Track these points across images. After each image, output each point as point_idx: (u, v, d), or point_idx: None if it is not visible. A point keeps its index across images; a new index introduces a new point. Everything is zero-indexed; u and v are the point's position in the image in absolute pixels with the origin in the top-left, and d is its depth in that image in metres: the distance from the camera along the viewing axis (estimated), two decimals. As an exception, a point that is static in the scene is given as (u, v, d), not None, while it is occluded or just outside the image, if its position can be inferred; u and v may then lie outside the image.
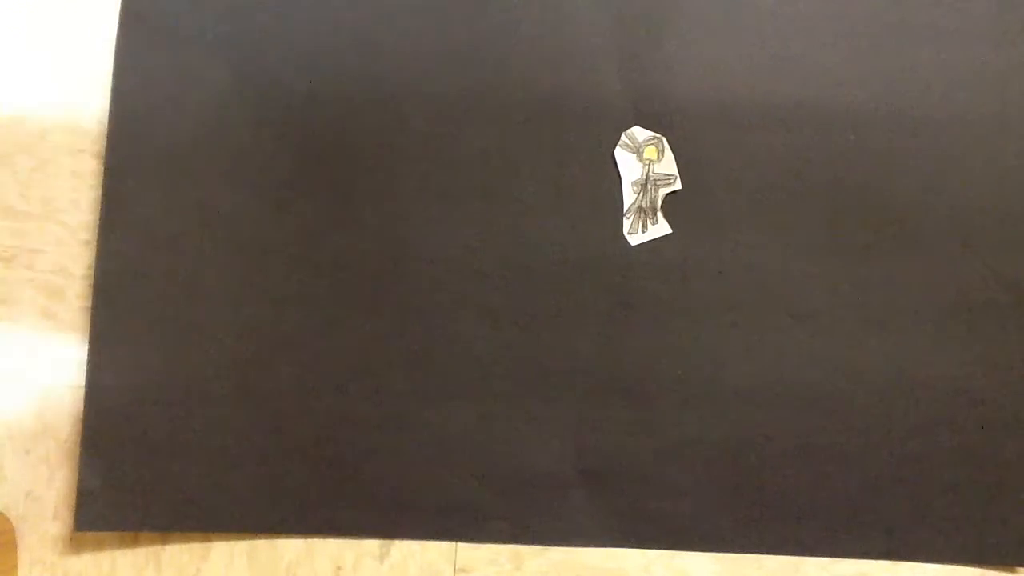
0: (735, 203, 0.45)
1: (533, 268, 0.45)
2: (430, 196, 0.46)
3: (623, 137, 0.46)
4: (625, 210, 0.45)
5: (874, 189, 0.45)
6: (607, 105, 0.46)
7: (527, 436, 0.45)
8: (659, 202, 0.45)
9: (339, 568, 0.45)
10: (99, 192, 0.46)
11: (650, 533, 0.45)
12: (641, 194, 0.45)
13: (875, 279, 0.45)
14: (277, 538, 0.45)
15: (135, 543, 0.45)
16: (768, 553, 0.44)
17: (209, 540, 0.45)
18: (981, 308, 0.45)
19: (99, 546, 0.45)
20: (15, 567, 0.45)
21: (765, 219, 0.45)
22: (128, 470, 0.44)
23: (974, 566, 0.44)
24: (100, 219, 0.46)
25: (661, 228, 0.45)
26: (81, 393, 0.45)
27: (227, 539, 0.45)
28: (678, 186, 0.45)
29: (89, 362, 0.45)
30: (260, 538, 0.45)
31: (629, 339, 0.45)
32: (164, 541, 0.45)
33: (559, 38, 0.46)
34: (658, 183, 0.45)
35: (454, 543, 0.45)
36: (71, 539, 0.45)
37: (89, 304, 0.45)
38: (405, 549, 0.45)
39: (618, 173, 0.46)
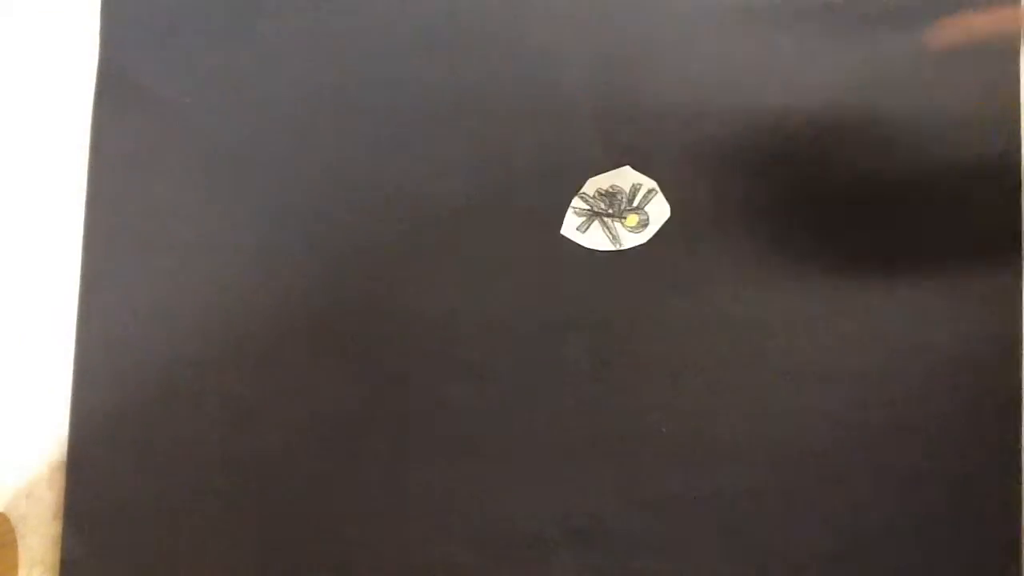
0: (717, 258, 0.45)
1: (514, 328, 0.45)
2: (409, 257, 0.46)
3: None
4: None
5: (860, 240, 0.45)
6: (589, 165, 0.46)
7: (511, 495, 0.45)
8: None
9: None
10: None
11: None
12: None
13: (861, 333, 0.45)
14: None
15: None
16: None
17: None
18: (967, 360, 0.45)
19: (98, 546, 0.46)
20: (15, 567, 0.45)
21: (748, 273, 0.45)
22: (112, 539, 0.45)
23: None
24: (79, 291, 0.46)
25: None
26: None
27: None
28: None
29: (71, 431, 0.45)
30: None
31: (612, 398, 0.45)
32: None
33: (540, 101, 0.46)
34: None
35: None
36: (71, 539, 0.46)
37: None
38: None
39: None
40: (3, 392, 0.47)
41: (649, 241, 0.44)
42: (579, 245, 0.45)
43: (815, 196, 0.46)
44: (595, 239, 0.44)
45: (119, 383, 0.45)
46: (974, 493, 0.44)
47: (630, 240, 0.44)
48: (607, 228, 0.45)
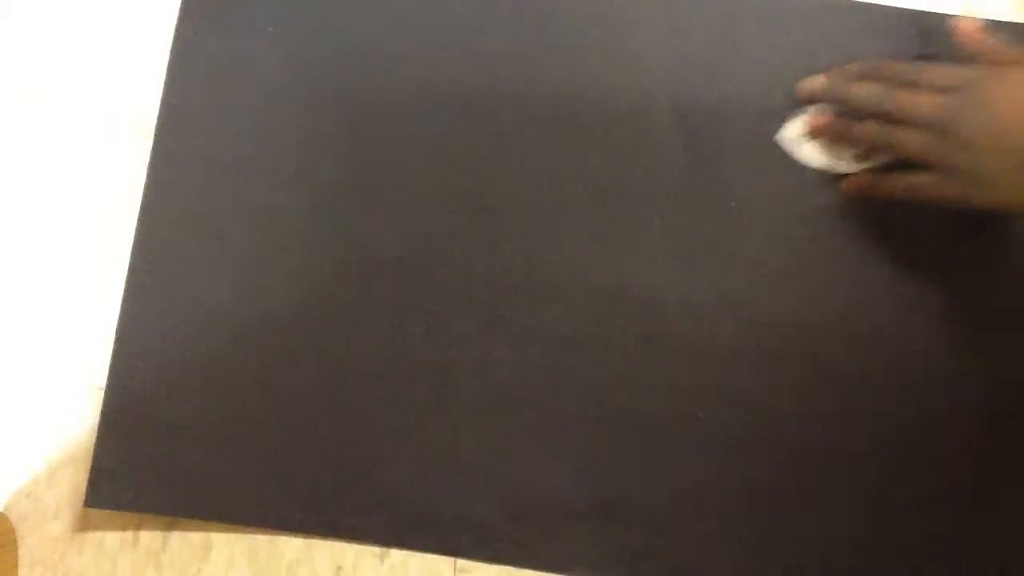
0: (770, 249, 0.46)
1: (565, 293, 0.45)
2: (471, 211, 0.46)
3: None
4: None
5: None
6: (657, 141, 0.47)
7: (540, 460, 0.44)
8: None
9: (339, 568, 0.45)
10: (143, 177, 0.47)
11: (653, 572, 0.44)
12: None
13: (884, 327, 0.45)
14: (278, 535, 0.45)
15: (135, 543, 0.45)
16: None
17: (209, 540, 0.45)
18: (967, 361, 0.45)
19: (100, 546, 0.45)
20: (15, 567, 0.45)
21: (802, 269, 0.45)
22: (143, 452, 0.44)
23: None
24: (142, 204, 0.47)
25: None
26: (82, 393, 0.46)
27: (228, 538, 0.45)
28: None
29: (115, 343, 0.45)
30: (261, 535, 0.45)
31: (651, 375, 0.45)
32: (165, 540, 0.45)
33: (615, 73, 0.47)
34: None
35: (455, 543, 0.45)
36: (72, 539, 0.45)
37: (96, 300, 0.46)
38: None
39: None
40: (3, 392, 0.47)
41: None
42: (639, 220, 0.45)
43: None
44: (810, 155, 0.45)
45: (167, 297, 0.46)
46: (974, 493, 0.44)
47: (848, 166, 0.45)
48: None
